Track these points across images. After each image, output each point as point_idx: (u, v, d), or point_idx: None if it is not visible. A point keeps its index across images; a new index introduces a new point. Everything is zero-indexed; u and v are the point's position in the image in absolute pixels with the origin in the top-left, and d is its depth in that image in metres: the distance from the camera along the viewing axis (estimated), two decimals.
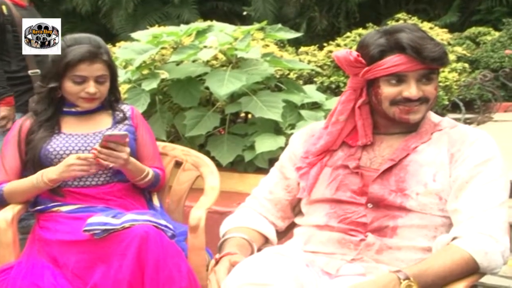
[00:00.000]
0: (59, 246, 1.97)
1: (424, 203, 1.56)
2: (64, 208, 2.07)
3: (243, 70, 3.22)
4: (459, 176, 1.55)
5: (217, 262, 1.55)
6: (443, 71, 5.92)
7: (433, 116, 1.70)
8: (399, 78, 1.58)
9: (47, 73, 2.16)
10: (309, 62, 6.59)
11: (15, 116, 3.16)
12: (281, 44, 6.98)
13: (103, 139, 1.98)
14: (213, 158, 2.86)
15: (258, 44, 3.93)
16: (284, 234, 1.84)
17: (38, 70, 3.21)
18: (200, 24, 3.50)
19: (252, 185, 1.92)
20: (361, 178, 1.64)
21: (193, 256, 2.02)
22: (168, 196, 2.40)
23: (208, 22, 3.55)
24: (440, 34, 8.15)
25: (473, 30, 11.67)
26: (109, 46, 2.53)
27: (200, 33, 3.35)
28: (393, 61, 1.56)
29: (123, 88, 3.31)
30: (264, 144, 3.04)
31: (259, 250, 1.67)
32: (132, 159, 2.08)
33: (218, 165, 2.75)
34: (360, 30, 7.40)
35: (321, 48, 7.27)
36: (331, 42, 7.31)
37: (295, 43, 9.06)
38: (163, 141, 2.95)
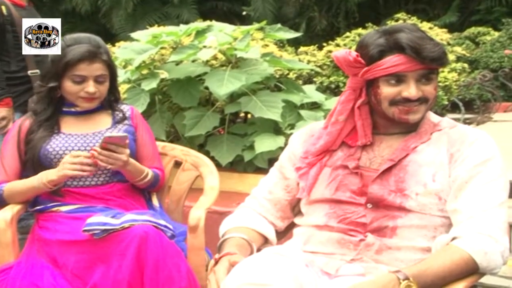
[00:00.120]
0: (58, 246, 1.96)
1: (424, 203, 1.56)
2: (64, 208, 2.07)
3: (243, 70, 3.22)
4: (459, 176, 1.55)
5: (216, 262, 1.55)
6: (442, 71, 5.93)
7: (432, 116, 1.70)
8: (399, 78, 1.58)
9: (47, 72, 2.16)
10: (308, 62, 6.59)
11: (14, 117, 3.16)
12: (281, 44, 6.99)
13: (103, 140, 1.98)
14: (212, 158, 2.86)
15: (258, 44, 3.93)
16: (283, 234, 1.84)
17: (37, 71, 3.20)
18: (200, 24, 3.50)
19: (252, 185, 1.92)
20: (360, 178, 1.64)
21: (193, 256, 2.02)
22: (168, 196, 2.40)
23: (208, 22, 3.55)
24: (439, 34, 8.16)
25: (473, 30, 11.67)
26: (108, 46, 2.53)
27: (200, 33, 3.35)
28: (393, 61, 1.56)
29: (122, 88, 3.31)
30: (264, 144, 3.04)
31: (258, 250, 1.67)
32: (131, 160, 2.08)
33: (218, 165, 2.75)
34: (360, 30, 7.41)
35: (320, 48, 7.27)
36: (330, 42, 7.32)
37: (295, 43, 9.06)
38: (163, 141, 2.95)
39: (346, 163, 1.67)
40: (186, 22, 4.06)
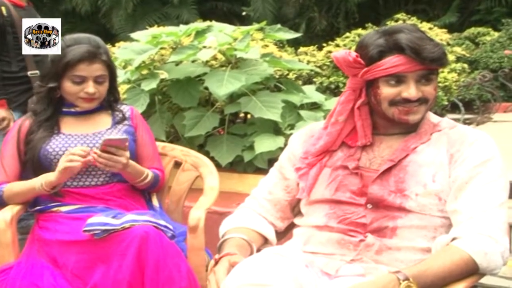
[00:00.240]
0: (58, 246, 1.96)
1: (424, 203, 1.56)
2: (64, 208, 2.07)
3: (243, 70, 3.22)
4: (459, 176, 1.55)
5: (216, 263, 1.55)
6: (442, 72, 5.93)
7: (432, 117, 1.70)
8: (398, 79, 1.58)
9: (47, 73, 2.16)
10: (308, 62, 6.60)
11: (14, 117, 3.17)
12: (281, 44, 6.99)
13: (103, 143, 1.98)
14: (212, 159, 2.86)
15: (258, 44, 3.93)
16: (283, 234, 1.84)
17: (37, 71, 3.21)
18: (200, 24, 3.50)
19: (252, 185, 1.92)
20: (360, 179, 1.64)
21: (193, 257, 2.02)
22: (168, 196, 2.40)
23: (208, 22, 3.55)
24: (439, 35, 8.16)
25: (473, 30, 11.67)
26: (108, 46, 2.53)
27: (200, 33, 3.35)
28: (392, 62, 1.56)
29: (122, 88, 3.31)
30: (264, 144, 3.04)
31: (258, 250, 1.67)
32: (131, 161, 2.08)
33: (218, 166, 2.75)
34: (360, 31, 7.42)
35: (320, 48, 7.29)
36: (330, 43, 7.33)
37: (295, 43, 9.07)
38: (163, 141, 2.95)
39: (346, 164, 1.67)
40: (186, 23, 4.06)
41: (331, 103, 3.39)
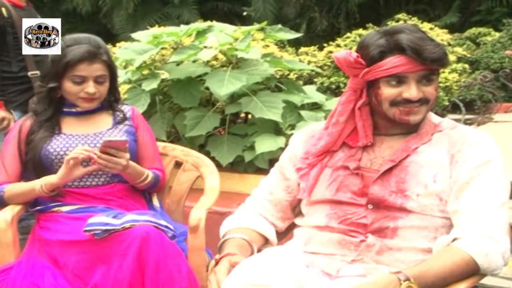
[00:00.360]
0: (59, 246, 1.96)
1: (425, 204, 1.56)
2: (65, 208, 2.07)
3: (243, 71, 3.22)
4: (460, 177, 1.55)
5: (217, 263, 1.55)
6: (443, 72, 5.93)
7: (433, 117, 1.70)
8: (399, 79, 1.58)
9: (47, 73, 2.16)
10: (309, 62, 6.60)
11: (14, 116, 3.17)
12: (281, 44, 6.99)
13: (103, 144, 1.98)
14: (213, 159, 2.86)
15: (258, 45, 3.93)
16: (284, 234, 1.84)
17: (37, 72, 3.21)
18: (200, 25, 3.50)
19: (252, 185, 1.92)
20: (361, 179, 1.64)
21: (193, 257, 2.02)
22: (168, 196, 2.40)
23: (208, 23, 3.55)
24: (440, 35, 8.16)
25: (473, 30, 11.67)
26: (109, 46, 2.53)
27: (200, 34, 3.35)
28: (393, 62, 1.56)
29: (123, 89, 3.31)
30: (264, 144, 3.04)
31: (259, 250, 1.67)
32: (131, 162, 2.08)
33: (218, 166, 2.75)
34: (360, 31, 7.42)
35: (321, 48, 7.29)
36: (331, 43, 7.33)
37: (295, 44, 9.07)
38: (163, 141, 2.95)
39: (347, 164, 1.67)
40: (187, 23, 4.06)
41: (332, 103, 3.39)
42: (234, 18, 13.82)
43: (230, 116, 3.35)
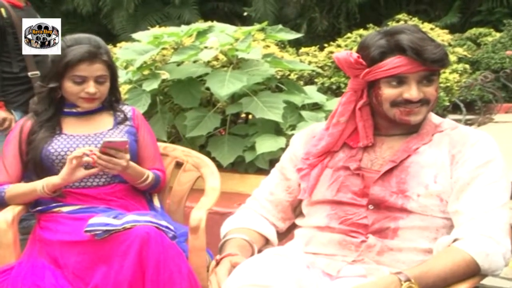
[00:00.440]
0: (60, 247, 1.97)
1: (425, 204, 1.56)
2: (65, 209, 2.07)
3: (244, 71, 3.22)
4: (460, 177, 1.55)
5: (217, 263, 1.55)
6: (444, 72, 5.94)
7: (434, 117, 1.70)
8: (400, 80, 1.58)
9: (47, 73, 2.16)
10: (309, 63, 6.61)
11: (15, 116, 3.17)
12: (282, 44, 6.99)
13: (103, 145, 1.97)
14: (213, 159, 2.86)
15: (259, 45, 3.93)
16: (284, 235, 1.83)
17: (37, 72, 3.21)
18: (201, 25, 3.50)
19: (253, 186, 1.92)
20: (362, 180, 1.64)
21: (194, 257, 2.02)
22: (169, 196, 2.40)
23: (209, 23, 3.55)
24: (440, 35, 8.16)
25: (474, 31, 11.67)
26: (110, 46, 2.53)
27: (201, 34, 3.35)
28: (394, 63, 1.56)
29: (123, 89, 3.31)
30: (265, 144, 3.04)
31: (259, 251, 1.67)
32: (131, 163, 2.08)
33: (219, 166, 2.75)
34: (361, 31, 7.43)
35: (321, 49, 7.29)
36: (331, 43, 7.34)
37: (296, 44, 9.07)
38: (164, 141, 2.95)
39: (348, 164, 1.67)
40: (187, 23, 4.06)
41: (333, 103, 3.39)
42: (235, 18, 13.82)
43: (231, 116, 3.35)
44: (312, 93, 3.54)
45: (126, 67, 3.53)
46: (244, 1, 14.90)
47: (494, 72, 10.07)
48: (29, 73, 3.23)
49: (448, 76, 6.27)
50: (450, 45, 9.14)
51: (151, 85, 3.12)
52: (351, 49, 5.82)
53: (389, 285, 1.38)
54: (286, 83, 3.60)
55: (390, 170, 1.61)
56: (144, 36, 3.43)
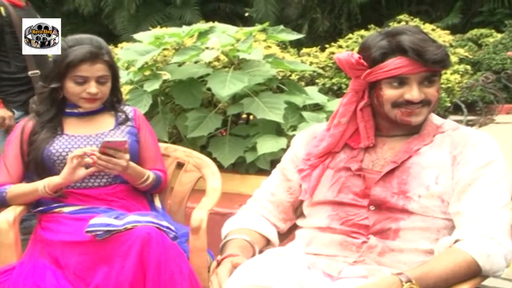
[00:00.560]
0: (61, 247, 1.97)
1: (426, 205, 1.56)
2: (66, 209, 2.07)
3: (245, 72, 3.23)
4: (462, 178, 1.55)
5: (218, 264, 1.55)
6: (445, 73, 5.93)
7: (435, 118, 1.69)
8: (401, 81, 1.58)
9: (49, 73, 2.16)
10: (311, 63, 6.60)
11: (14, 114, 3.17)
12: (283, 45, 6.99)
13: (102, 145, 1.98)
14: (214, 160, 2.86)
15: (260, 46, 3.93)
16: (285, 236, 1.83)
17: (37, 71, 3.21)
18: (202, 25, 3.51)
19: (254, 186, 1.92)
20: (363, 181, 1.64)
21: (195, 258, 2.02)
22: (170, 197, 2.40)
23: (210, 23, 3.56)
24: (442, 36, 8.15)
25: (475, 32, 11.67)
26: (111, 47, 2.54)
27: (202, 34, 3.36)
28: (395, 64, 1.56)
29: (125, 89, 3.32)
30: (266, 145, 3.04)
31: (260, 252, 1.67)
32: (131, 163, 2.08)
33: (220, 167, 2.75)
34: (362, 32, 7.42)
35: (323, 49, 7.29)
36: (333, 44, 7.33)
37: (297, 45, 9.06)
38: (165, 142, 2.95)
39: (349, 165, 1.67)
40: (189, 23, 4.07)
41: (334, 104, 3.39)
42: (236, 19, 13.82)
43: (232, 117, 3.35)
44: (313, 94, 3.54)
45: (127, 68, 3.53)
46: (246, 2, 14.90)
47: (495, 73, 10.06)
48: (29, 72, 3.23)
49: (449, 77, 6.26)
50: (451, 46, 9.12)
51: (152, 86, 3.12)
52: (352, 50, 5.82)
53: (390, 286, 1.38)
54: (287, 83, 3.60)
55: (391, 171, 1.61)
56: (145, 37, 3.43)
